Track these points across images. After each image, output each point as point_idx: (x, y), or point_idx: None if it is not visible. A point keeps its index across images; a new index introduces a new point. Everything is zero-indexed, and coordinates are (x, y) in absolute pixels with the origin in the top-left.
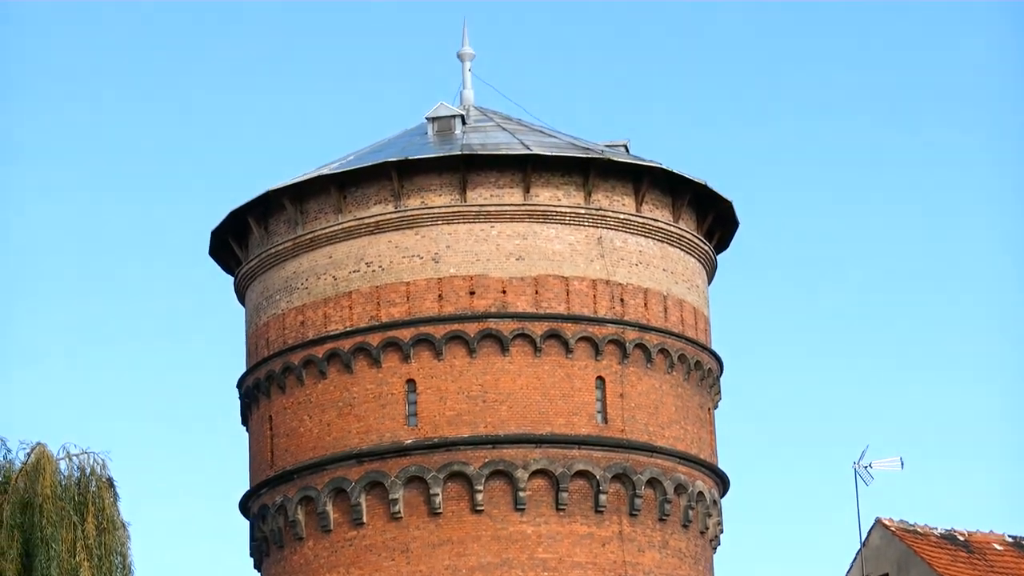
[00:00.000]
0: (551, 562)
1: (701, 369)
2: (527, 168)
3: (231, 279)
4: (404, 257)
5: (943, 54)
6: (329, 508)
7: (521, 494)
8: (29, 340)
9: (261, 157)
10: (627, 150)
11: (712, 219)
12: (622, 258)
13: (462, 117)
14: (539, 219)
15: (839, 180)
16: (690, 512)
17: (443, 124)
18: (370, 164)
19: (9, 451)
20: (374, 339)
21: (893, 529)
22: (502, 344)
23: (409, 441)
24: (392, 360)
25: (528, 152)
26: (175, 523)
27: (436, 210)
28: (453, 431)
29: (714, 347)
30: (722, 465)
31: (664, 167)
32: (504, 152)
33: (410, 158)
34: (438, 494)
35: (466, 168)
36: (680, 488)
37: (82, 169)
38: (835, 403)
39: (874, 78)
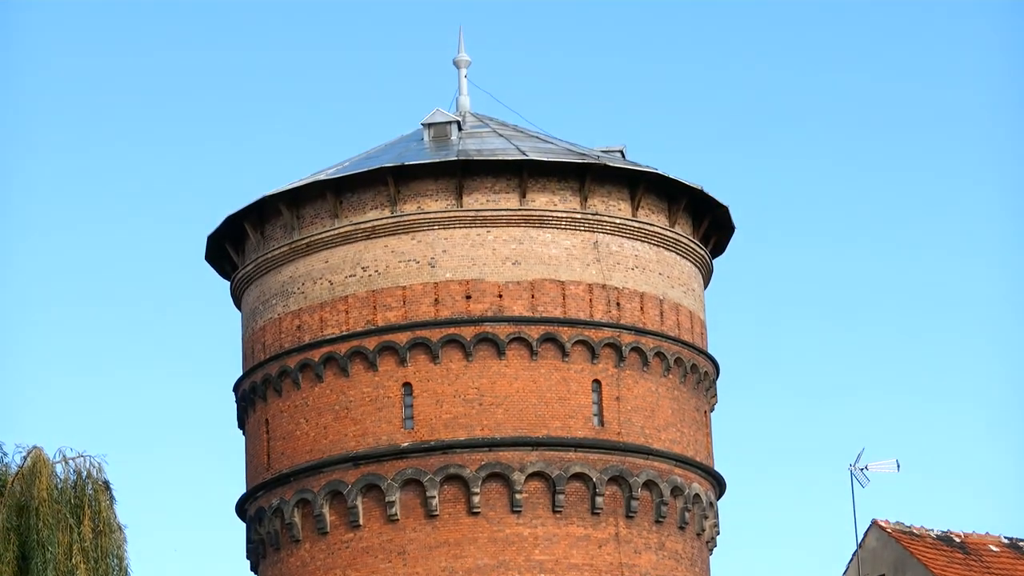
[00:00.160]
0: (548, 564)
1: (697, 372)
2: (523, 173)
3: (227, 284)
4: (400, 262)
5: (940, 60)
6: (326, 511)
7: (518, 496)
8: (26, 344)
9: (258, 163)
10: (623, 155)
11: (708, 224)
12: (618, 262)
13: (458, 123)
14: (535, 224)
15: (834, 185)
16: (686, 514)
17: (439, 130)
18: (366, 170)
19: (5, 454)
20: (370, 343)
21: (889, 531)
22: (498, 348)
23: (405, 444)
24: (388, 364)
25: (524, 158)
26: (172, 526)
27: (432, 215)
28: (449, 434)
29: (710, 350)
30: (718, 467)
31: (660, 172)
32: (500, 158)
33: (406, 163)
34: (434, 496)
35: (462, 174)
36: (676, 490)
37: (79, 174)
38: (831, 406)
39: (870, 84)
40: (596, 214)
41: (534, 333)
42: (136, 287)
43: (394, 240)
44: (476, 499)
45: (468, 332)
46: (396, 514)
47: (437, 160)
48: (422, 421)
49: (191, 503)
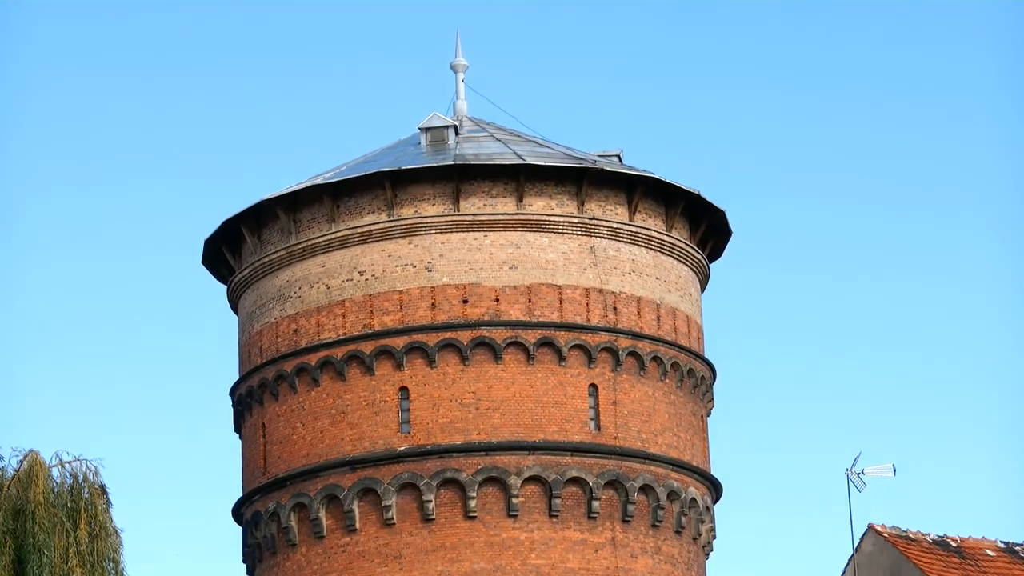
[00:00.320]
0: (544, 568)
1: (694, 377)
2: (520, 178)
3: (224, 288)
4: (397, 266)
5: (936, 63)
6: (322, 515)
7: (514, 500)
8: (22, 347)
9: (255, 167)
10: (620, 160)
11: (705, 228)
12: (615, 267)
13: (455, 127)
14: (532, 228)
15: (832, 189)
16: (683, 518)
17: (436, 134)
18: (363, 174)
19: (1, 458)
20: (367, 347)
21: (886, 535)
22: (495, 352)
23: (402, 448)
24: (385, 368)
25: (521, 162)
26: (168, 530)
27: (429, 219)
28: (446, 438)
29: (707, 355)
30: (715, 472)
31: (657, 177)
32: (497, 162)
33: (403, 168)
34: (431, 500)
35: (459, 178)
36: (673, 495)
37: (76, 177)
38: (828, 410)
39: (867, 87)
40: (593, 218)
41: (531, 337)
42: (133, 291)
43: (391, 244)
44: (472, 503)
45: (465, 336)
46: (392, 518)
47: (434, 164)
48: (419, 425)
49: (187, 507)
